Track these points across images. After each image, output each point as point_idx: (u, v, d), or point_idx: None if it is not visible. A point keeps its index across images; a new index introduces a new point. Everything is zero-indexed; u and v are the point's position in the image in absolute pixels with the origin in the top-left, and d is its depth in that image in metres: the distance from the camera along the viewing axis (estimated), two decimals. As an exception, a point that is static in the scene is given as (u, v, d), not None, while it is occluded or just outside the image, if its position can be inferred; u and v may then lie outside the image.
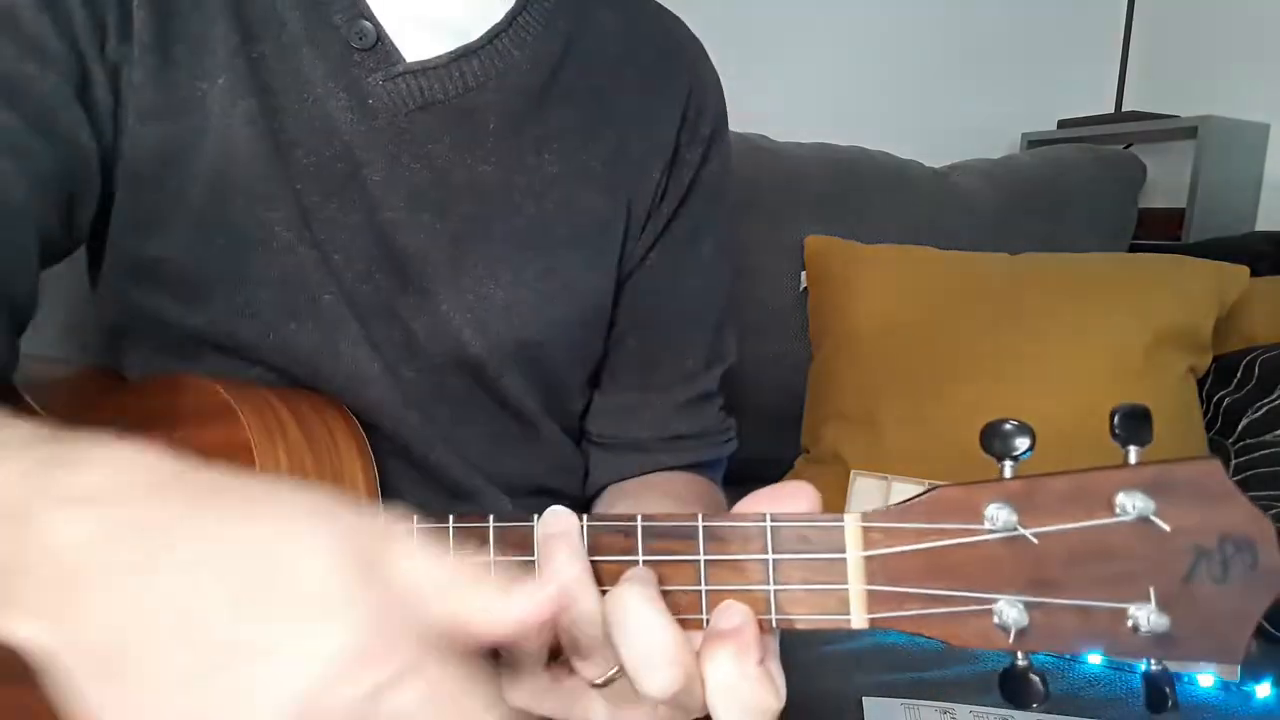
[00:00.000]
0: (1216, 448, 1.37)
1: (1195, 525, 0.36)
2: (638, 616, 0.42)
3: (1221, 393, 1.40)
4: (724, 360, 0.85)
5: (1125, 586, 0.37)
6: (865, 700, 1.03)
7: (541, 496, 0.79)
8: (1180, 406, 1.35)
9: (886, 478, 1.32)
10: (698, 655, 0.42)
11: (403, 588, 0.37)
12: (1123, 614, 0.37)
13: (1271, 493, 1.27)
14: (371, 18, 0.68)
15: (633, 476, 0.82)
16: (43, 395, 0.71)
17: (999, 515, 0.38)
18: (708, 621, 0.44)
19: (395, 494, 0.71)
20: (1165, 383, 1.35)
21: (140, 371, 0.75)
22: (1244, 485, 1.27)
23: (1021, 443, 0.39)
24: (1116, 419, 0.37)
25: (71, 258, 0.77)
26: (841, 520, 0.41)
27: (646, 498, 0.76)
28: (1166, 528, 0.36)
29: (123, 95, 0.66)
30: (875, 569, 0.41)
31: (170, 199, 0.66)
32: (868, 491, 1.32)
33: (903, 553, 0.40)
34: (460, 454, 0.73)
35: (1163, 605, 0.36)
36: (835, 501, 1.34)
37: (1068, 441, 1.26)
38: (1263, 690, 1.10)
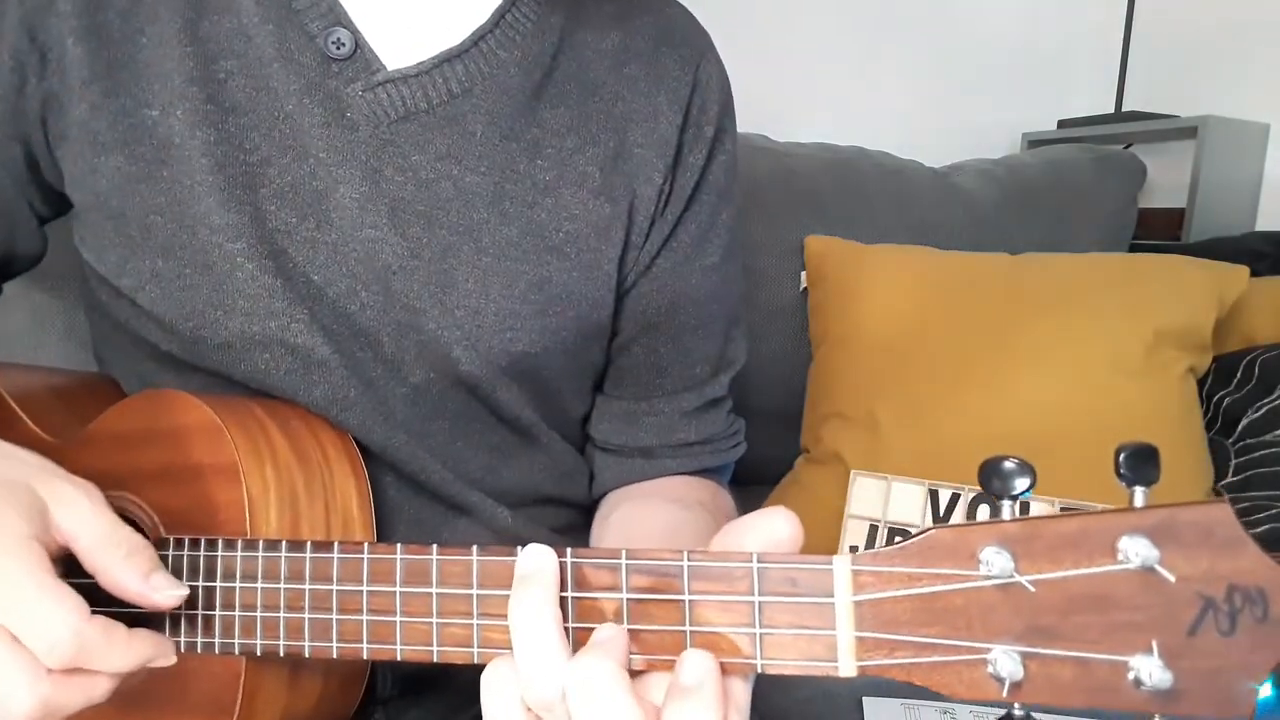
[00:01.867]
0: (1216, 448, 1.36)
1: (1202, 574, 0.34)
2: (603, 699, 0.41)
3: (1221, 393, 1.39)
4: (733, 366, 0.83)
5: (1127, 638, 0.35)
6: (865, 700, 1.02)
7: (544, 505, 0.78)
8: (1180, 406, 1.34)
9: (886, 478, 1.31)
10: (660, 708, 0.41)
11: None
12: (1123, 667, 0.35)
13: (1272, 493, 1.26)
14: (350, 25, 0.66)
15: (637, 482, 0.80)
16: (33, 406, 0.71)
17: (995, 560, 0.36)
18: None
19: (391, 509, 0.70)
20: (1165, 383, 1.33)
21: (131, 381, 0.75)
22: (1244, 485, 1.27)
23: (1021, 482, 0.37)
24: (1121, 458, 0.36)
25: (74, 261, 0.77)
26: (831, 563, 0.40)
27: (650, 505, 0.74)
28: (1171, 578, 0.34)
29: (68, 133, 0.65)
30: (865, 614, 0.39)
31: (138, 230, 0.65)
32: (868, 491, 1.31)
33: (894, 598, 0.38)
34: (455, 470, 0.71)
35: (1166, 659, 0.34)
36: (835, 501, 1.33)
37: (1067, 442, 1.27)
38: (1263, 690, 1.09)
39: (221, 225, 0.64)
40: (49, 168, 0.68)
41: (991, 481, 0.38)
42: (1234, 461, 1.34)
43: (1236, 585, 0.34)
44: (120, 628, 0.51)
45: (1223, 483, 1.33)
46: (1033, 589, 0.36)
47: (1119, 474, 0.36)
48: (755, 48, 2.06)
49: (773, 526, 0.42)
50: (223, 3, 0.66)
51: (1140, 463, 0.36)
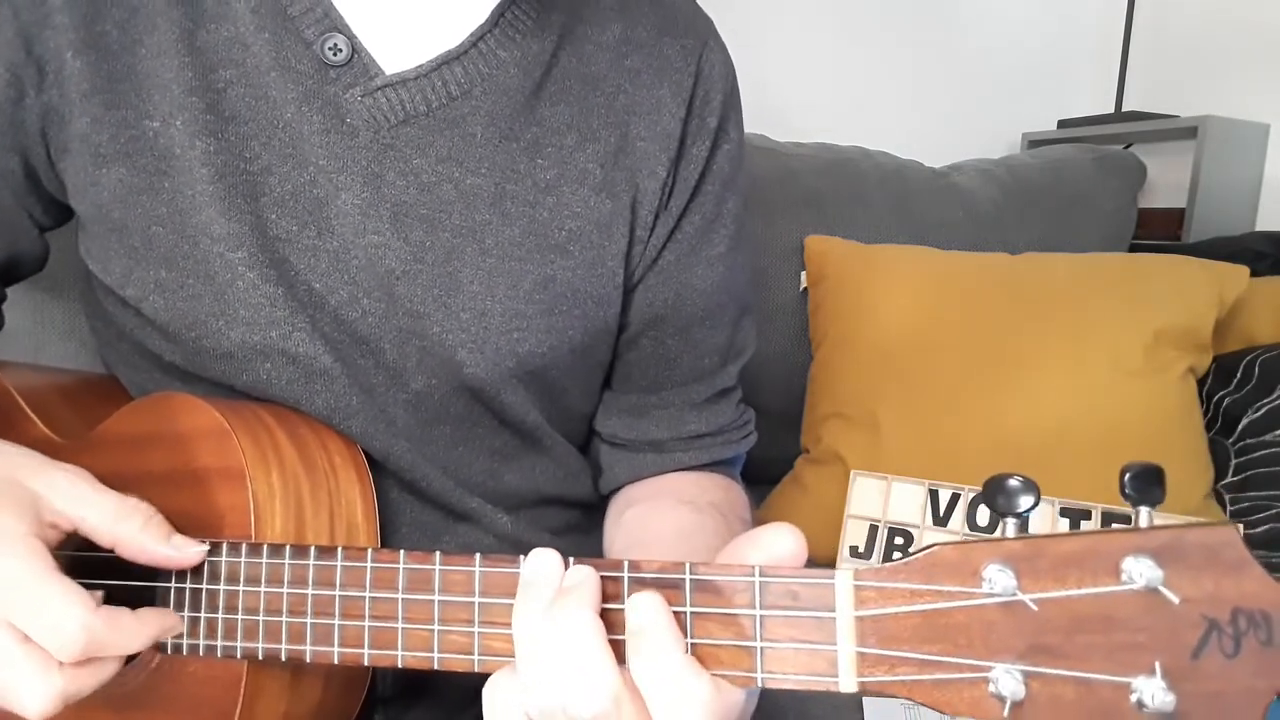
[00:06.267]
0: (1216, 448, 1.36)
1: (1207, 596, 0.34)
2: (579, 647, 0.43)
3: (1221, 393, 1.39)
4: (742, 355, 0.82)
5: (1130, 659, 0.34)
6: (865, 700, 1.02)
7: (545, 507, 0.78)
8: (1180, 406, 1.34)
9: (886, 478, 1.31)
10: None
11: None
12: (1126, 689, 0.35)
13: (1272, 493, 1.26)
14: (346, 30, 0.65)
15: (649, 476, 0.79)
16: (42, 406, 0.71)
17: (998, 578, 0.36)
18: None
19: (393, 514, 0.70)
20: (1165, 383, 1.33)
21: (136, 391, 0.74)
22: (1244, 485, 1.26)
23: (1025, 500, 0.37)
24: (1127, 478, 0.35)
25: (73, 261, 0.77)
26: (833, 577, 0.40)
27: (661, 507, 0.74)
28: (1175, 599, 0.34)
29: (70, 146, 0.65)
30: (867, 630, 0.39)
31: (140, 240, 0.64)
32: (868, 491, 1.31)
33: (896, 614, 0.38)
34: (456, 477, 0.71)
35: (1169, 681, 0.34)
36: (835, 501, 1.33)
37: (1067, 441, 1.27)
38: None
39: (222, 235, 0.63)
40: (49, 179, 0.68)
41: (995, 499, 0.37)
42: (1234, 461, 1.34)
43: (1241, 608, 0.33)
44: (126, 613, 0.52)
45: (1222, 483, 1.33)
46: (1035, 608, 0.36)
47: (1124, 494, 0.35)
48: (755, 47, 2.06)
49: (776, 541, 0.42)
50: (219, 11, 0.65)
51: (1145, 483, 0.35)
